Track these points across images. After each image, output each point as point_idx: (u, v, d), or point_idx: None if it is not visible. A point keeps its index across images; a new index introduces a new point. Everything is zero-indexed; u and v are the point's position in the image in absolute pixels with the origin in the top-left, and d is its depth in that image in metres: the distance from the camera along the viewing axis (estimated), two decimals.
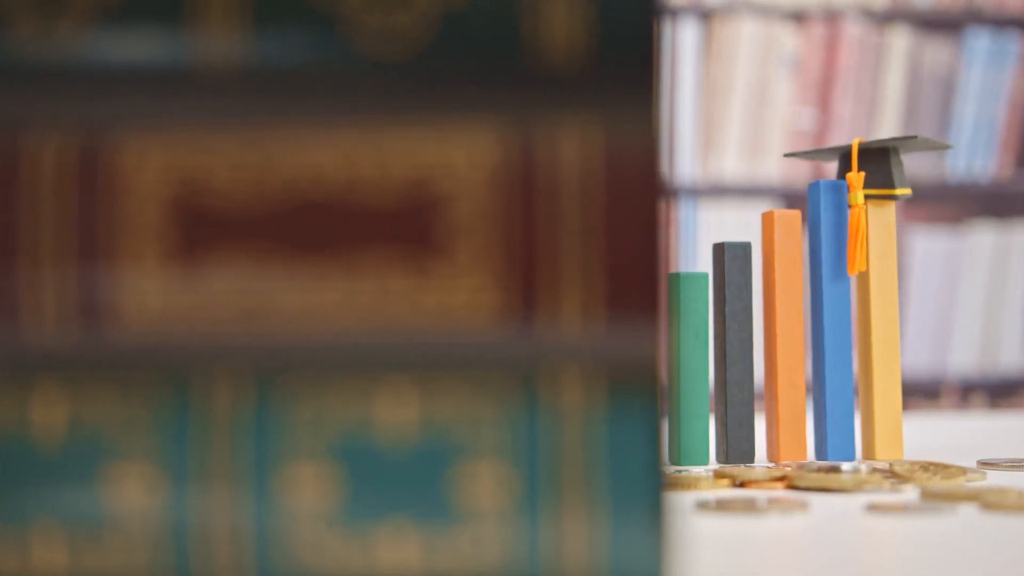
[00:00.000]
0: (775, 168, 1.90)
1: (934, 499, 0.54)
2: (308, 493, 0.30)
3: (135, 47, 0.31)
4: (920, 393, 1.95)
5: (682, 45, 1.89)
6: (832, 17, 1.93)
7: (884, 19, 1.95)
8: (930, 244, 1.94)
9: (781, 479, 0.60)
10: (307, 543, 0.30)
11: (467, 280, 0.30)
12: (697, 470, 0.68)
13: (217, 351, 0.30)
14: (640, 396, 0.31)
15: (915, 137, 0.72)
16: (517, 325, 0.30)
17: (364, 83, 0.30)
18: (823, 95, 1.93)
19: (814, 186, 0.74)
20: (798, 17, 1.92)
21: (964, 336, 1.95)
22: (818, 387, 0.74)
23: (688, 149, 1.88)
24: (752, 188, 1.91)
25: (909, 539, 0.43)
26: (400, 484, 0.30)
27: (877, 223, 0.74)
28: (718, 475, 0.60)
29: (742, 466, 0.68)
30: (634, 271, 0.31)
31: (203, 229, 0.30)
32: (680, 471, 0.67)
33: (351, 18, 0.31)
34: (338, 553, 0.30)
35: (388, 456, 0.30)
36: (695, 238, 1.86)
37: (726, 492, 0.58)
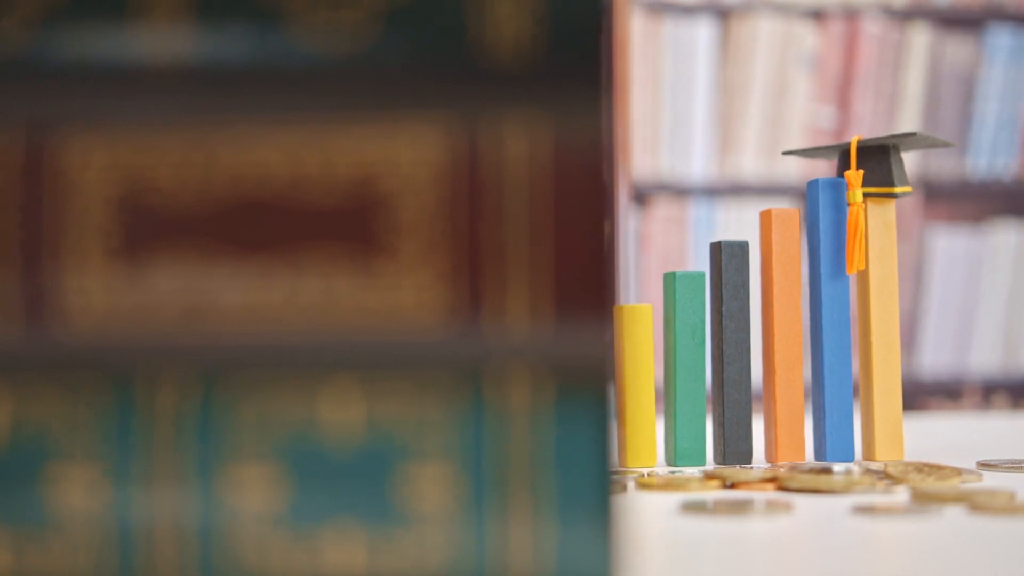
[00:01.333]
0: (793, 167, 1.89)
1: (923, 501, 0.53)
2: (253, 494, 0.30)
3: (79, 45, 0.30)
4: (942, 394, 1.94)
5: (698, 44, 1.88)
6: (851, 14, 1.92)
7: (904, 16, 1.93)
8: (951, 243, 1.93)
9: (772, 481, 0.59)
10: (252, 544, 0.30)
11: (412, 279, 0.30)
12: (691, 471, 0.68)
13: (161, 350, 0.30)
14: (588, 396, 0.30)
15: (914, 134, 0.72)
16: (463, 324, 0.30)
17: (309, 80, 0.30)
18: (842, 93, 1.91)
19: (812, 184, 0.74)
20: (817, 15, 1.91)
21: (986, 336, 1.93)
22: (817, 387, 0.73)
23: (703, 148, 1.87)
24: (771, 187, 1.90)
25: (892, 541, 0.42)
26: (345, 485, 0.30)
27: (877, 221, 0.73)
28: (708, 476, 0.60)
29: (737, 467, 0.67)
30: (582, 269, 0.30)
31: (147, 228, 0.30)
32: (674, 472, 0.67)
33: (295, 15, 0.30)
34: (283, 554, 0.30)
35: (333, 457, 0.30)
36: (712, 237, 1.85)
37: (712, 493, 0.57)
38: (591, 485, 0.30)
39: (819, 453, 0.73)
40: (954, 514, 0.50)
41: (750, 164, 1.90)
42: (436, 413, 0.30)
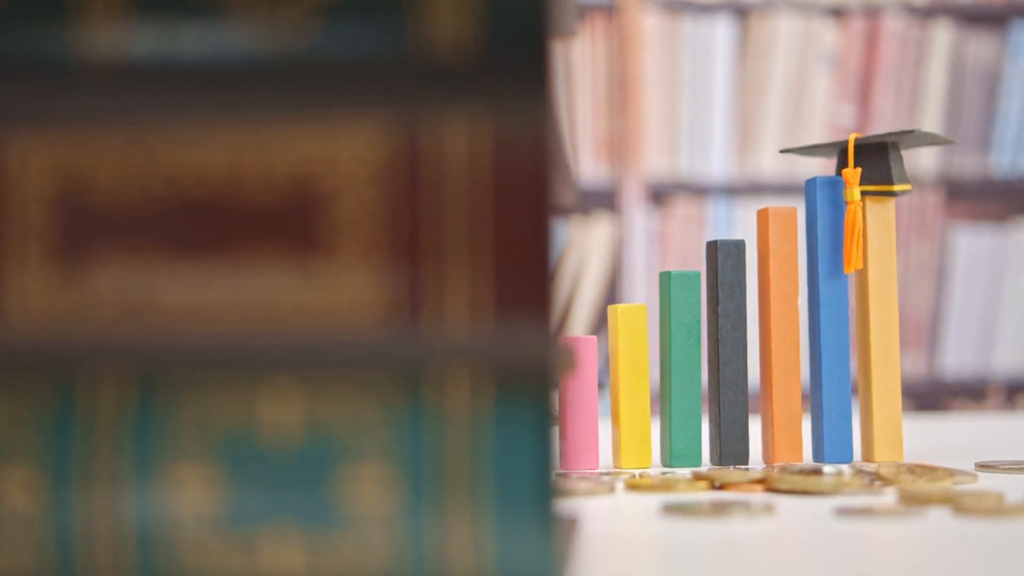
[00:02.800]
0: (813, 166, 1.88)
1: (910, 502, 0.53)
2: (191, 495, 0.30)
3: (17, 44, 0.30)
4: (965, 394, 1.92)
5: (716, 42, 1.87)
6: (872, 12, 1.90)
7: (926, 13, 1.92)
8: (974, 242, 1.91)
9: (760, 482, 0.59)
10: (190, 546, 0.30)
11: (351, 278, 0.30)
12: (683, 472, 0.67)
13: (100, 351, 0.30)
14: (529, 397, 0.30)
15: (912, 131, 0.71)
16: (402, 324, 0.30)
17: (248, 78, 0.30)
18: (863, 91, 1.90)
19: (810, 182, 0.73)
20: (837, 12, 1.90)
21: (1010, 335, 1.91)
22: (815, 388, 0.73)
23: (722, 147, 1.86)
24: (790, 186, 1.89)
25: (872, 543, 0.41)
26: (284, 487, 0.30)
27: (876, 220, 0.73)
28: (697, 477, 0.59)
29: (731, 468, 0.66)
30: (524, 268, 0.30)
31: (86, 227, 0.30)
32: (666, 473, 0.66)
33: (235, 12, 0.30)
34: (222, 556, 0.30)
35: (272, 458, 0.30)
36: (731, 236, 1.84)
37: (697, 495, 0.57)
38: (531, 486, 0.30)
39: (817, 454, 0.72)
40: (939, 516, 0.49)
41: (769, 163, 1.89)
42: (375, 414, 0.30)
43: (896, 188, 0.72)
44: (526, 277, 0.30)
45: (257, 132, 0.30)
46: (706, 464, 0.72)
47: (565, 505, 0.43)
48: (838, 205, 0.72)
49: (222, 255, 0.30)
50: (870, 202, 0.72)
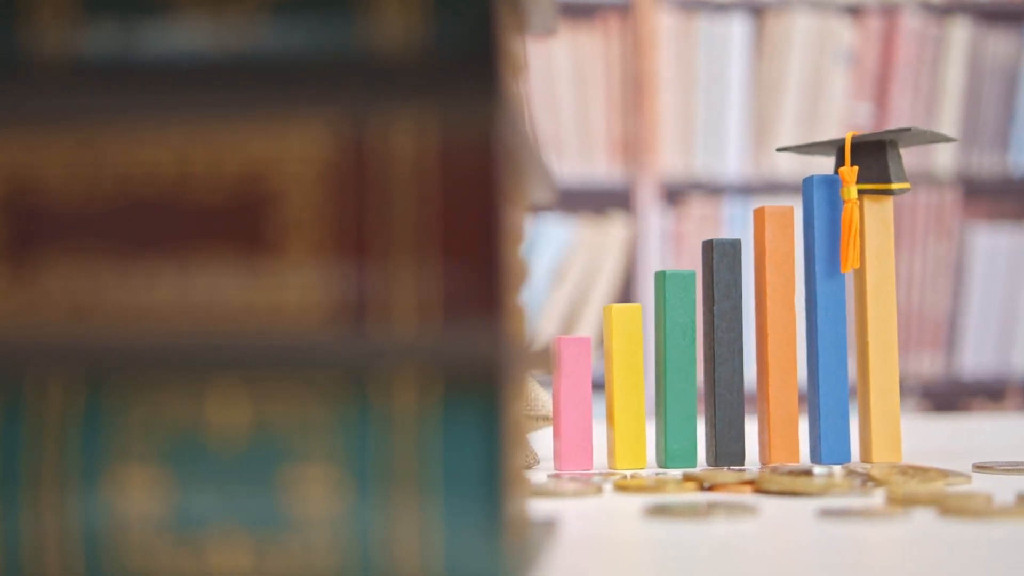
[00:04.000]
0: (829, 164, 1.87)
1: (898, 504, 0.52)
2: (138, 496, 0.30)
3: None
4: (984, 394, 1.91)
5: (732, 41, 1.86)
6: (889, 10, 1.89)
7: (943, 11, 1.90)
8: (992, 240, 1.89)
9: (749, 483, 0.58)
10: (137, 547, 0.30)
11: (298, 278, 0.30)
12: (675, 473, 0.67)
13: (48, 351, 0.30)
14: (477, 398, 0.29)
15: (909, 129, 0.70)
16: (349, 325, 0.30)
17: (196, 77, 0.30)
18: (880, 90, 1.89)
19: (808, 181, 0.72)
20: (854, 10, 1.88)
21: None
22: (812, 388, 0.72)
23: (738, 146, 1.85)
24: None
25: (852, 545, 0.41)
26: (231, 488, 0.30)
27: (874, 219, 0.72)
28: (686, 478, 0.59)
29: (725, 469, 0.66)
30: (472, 268, 0.30)
31: (34, 228, 0.30)
32: (658, 474, 0.66)
33: (182, 12, 0.30)
34: (168, 558, 0.30)
35: (219, 459, 0.30)
36: (748, 236, 1.83)
37: (680, 496, 0.56)
38: (480, 486, 0.29)
39: (814, 455, 0.72)
40: (924, 518, 0.48)
41: (785, 162, 1.88)
42: (322, 415, 0.29)
43: (894, 187, 0.71)
44: (474, 277, 0.30)
45: (205, 131, 0.30)
46: (702, 465, 0.72)
47: (543, 506, 0.43)
48: (835, 204, 0.72)
49: (170, 255, 0.30)
50: (868, 201, 0.72)
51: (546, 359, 0.46)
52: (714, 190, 1.85)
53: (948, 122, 1.90)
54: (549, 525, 0.44)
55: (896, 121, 1.89)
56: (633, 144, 1.84)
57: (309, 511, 0.29)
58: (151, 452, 0.30)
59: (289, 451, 0.30)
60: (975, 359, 1.90)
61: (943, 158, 1.90)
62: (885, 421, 0.71)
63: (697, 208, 1.84)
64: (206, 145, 0.30)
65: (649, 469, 0.70)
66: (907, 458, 0.74)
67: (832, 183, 0.72)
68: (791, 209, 0.72)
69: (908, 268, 1.90)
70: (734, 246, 0.71)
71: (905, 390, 1.88)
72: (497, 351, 0.29)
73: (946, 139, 0.72)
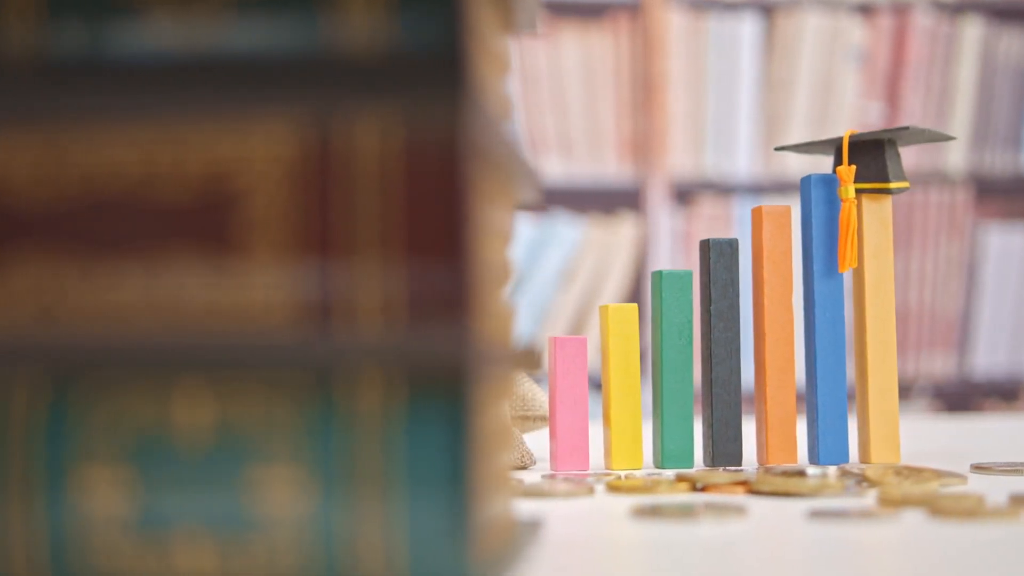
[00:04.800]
0: None
1: (889, 505, 0.52)
2: (103, 497, 0.30)
3: None
4: (997, 395, 1.90)
5: (742, 40, 1.85)
6: (901, 8, 1.88)
7: (955, 9, 1.89)
8: (1004, 239, 1.88)
9: (742, 484, 0.58)
10: (102, 548, 0.30)
11: (263, 277, 0.30)
12: (669, 473, 0.66)
13: (12, 351, 0.30)
14: (443, 398, 0.29)
15: (907, 128, 0.70)
16: (314, 325, 0.29)
17: (161, 76, 0.30)
18: (891, 89, 1.88)
19: (805, 180, 0.72)
20: (865, 9, 1.88)
21: None
22: (810, 388, 0.72)
23: (748, 145, 1.84)
24: None
25: (838, 546, 0.41)
26: (195, 488, 0.29)
27: (872, 218, 0.72)
28: (679, 479, 0.59)
29: (720, 469, 0.66)
30: (437, 268, 0.29)
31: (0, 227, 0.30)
32: (651, 474, 0.65)
33: (146, 10, 0.30)
34: (133, 558, 0.29)
35: (184, 459, 0.30)
36: None
37: (668, 497, 0.56)
38: (444, 487, 0.29)
39: (812, 455, 0.71)
40: (913, 519, 0.48)
41: (795, 162, 1.87)
42: (286, 415, 0.29)
43: (892, 186, 0.71)
44: (440, 277, 0.29)
45: (170, 131, 0.30)
46: (699, 465, 0.71)
47: (532, 507, 0.42)
48: (833, 203, 0.72)
49: (135, 254, 0.30)
50: (866, 200, 0.71)
51: (531, 359, 0.46)
52: (724, 190, 1.85)
53: (960, 121, 1.89)
54: (534, 525, 0.44)
55: (908, 121, 1.88)
56: (643, 144, 1.84)
57: (273, 511, 0.29)
58: (116, 452, 0.30)
59: (254, 451, 0.29)
60: (987, 359, 1.89)
61: (955, 157, 1.89)
62: (884, 421, 0.71)
63: (707, 208, 1.84)
64: (171, 144, 0.30)
65: (646, 470, 0.70)
66: (906, 459, 0.74)
67: (830, 182, 0.72)
68: (789, 208, 0.72)
69: (920, 268, 1.89)
70: (731, 245, 0.71)
71: (917, 391, 1.88)
72: (463, 351, 0.29)
73: (945, 137, 0.71)
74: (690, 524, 0.47)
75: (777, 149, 0.74)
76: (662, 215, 1.83)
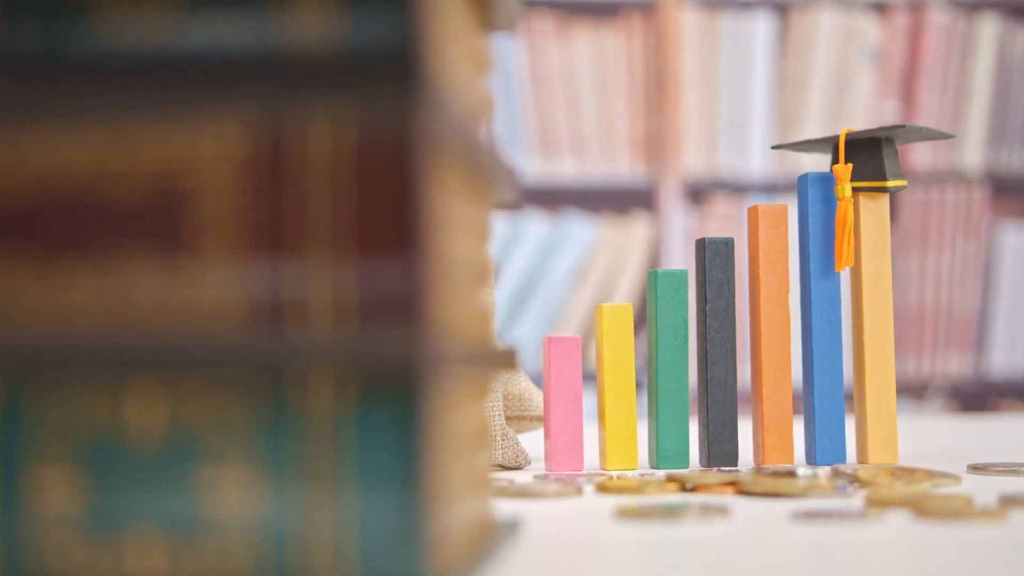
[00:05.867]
0: None
1: (877, 505, 0.51)
2: (55, 497, 0.30)
3: None
4: (1014, 395, 1.88)
5: (756, 38, 1.84)
6: (916, 6, 1.87)
7: (971, 6, 1.88)
8: (1021, 238, 1.87)
9: (732, 484, 0.57)
10: (54, 548, 0.29)
11: (214, 277, 0.29)
12: (660, 474, 0.66)
13: None
14: (394, 398, 0.29)
15: (904, 126, 0.69)
16: (265, 325, 0.29)
17: (113, 76, 0.30)
18: (907, 87, 1.87)
19: (802, 179, 0.72)
20: (880, 7, 1.86)
21: None
22: (807, 388, 0.71)
23: (762, 145, 1.84)
24: None
25: (818, 548, 0.40)
26: (147, 489, 0.29)
27: (870, 217, 0.71)
28: (670, 479, 0.58)
29: (714, 470, 0.65)
30: (389, 267, 0.29)
31: None
32: (644, 475, 0.65)
33: (98, 9, 0.30)
34: (85, 559, 0.29)
35: (135, 460, 0.29)
36: None
37: (652, 498, 0.56)
38: (396, 487, 0.29)
39: (809, 455, 0.71)
40: (898, 520, 0.48)
41: (810, 161, 1.86)
42: (237, 415, 0.29)
43: (890, 184, 0.70)
44: (391, 276, 0.29)
45: (123, 130, 0.30)
46: (695, 466, 0.71)
47: (518, 507, 0.42)
48: (830, 202, 0.71)
49: (87, 254, 0.30)
50: (864, 198, 0.71)
51: (508, 359, 0.45)
52: (738, 189, 1.84)
53: (976, 120, 1.88)
54: (512, 526, 0.44)
55: (924, 119, 1.87)
56: (656, 143, 1.83)
57: (225, 512, 0.29)
58: (68, 453, 0.30)
59: (205, 452, 0.29)
60: (1004, 359, 1.88)
61: (971, 156, 1.87)
62: (881, 421, 0.70)
63: (721, 207, 1.83)
64: (123, 144, 0.30)
65: (641, 470, 0.69)
66: (906, 459, 0.73)
67: (827, 181, 0.71)
68: (785, 207, 0.71)
69: (936, 267, 1.88)
70: (727, 245, 0.71)
71: (933, 391, 1.87)
72: (415, 351, 0.29)
73: (943, 136, 0.71)
74: (673, 525, 0.47)
75: (774, 147, 0.73)
76: (675, 215, 1.83)
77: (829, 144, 0.72)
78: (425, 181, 0.30)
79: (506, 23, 0.46)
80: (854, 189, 0.71)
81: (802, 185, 0.72)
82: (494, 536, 0.40)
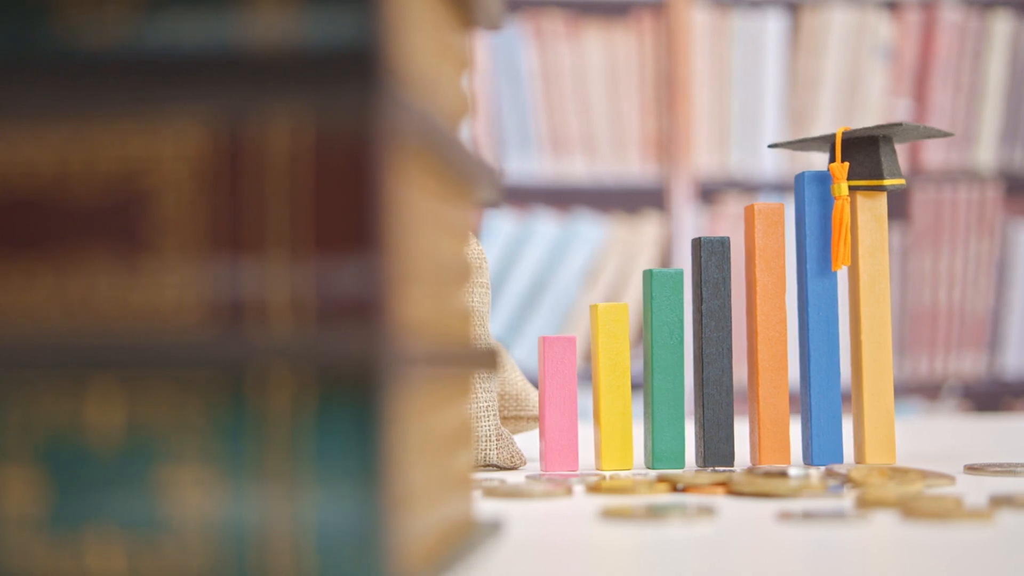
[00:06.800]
0: None
1: (865, 506, 0.51)
2: (14, 497, 0.29)
3: None
4: None
5: (767, 37, 1.84)
6: (929, 3, 1.86)
7: (984, 4, 1.87)
8: None
9: (722, 484, 0.57)
10: (14, 548, 0.29)
11: (173, 277, 0.29)
12: (654, 474, 0.66)
13: None
14: (353, 398, 0.29)
15: (900, 124, 0.69)
16: (224, 324, 0.29)
17: (72, 75, 0.30)
18: (920, 85, 1.86)
19: (799, 177, 0.71)
20: (892, 4, 1.86)
21: None
22: (804, 388, 0.71)
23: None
24: None
25: (800, 549, 0.40)
26: (106, 488, 0.29)
27: (867, 216, 0.71)
28: (660, 479, 0.58)
29: (709, 470, 0.65)
30: (348, 266, 0.29)
31: None
32: (636, 475, 0.65)
33: (58, 8, 0.30)
34: (45, 558, 0.29)
35: (95, 460, 0.29)
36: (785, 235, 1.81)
37: (639, 498, 0.55)
38: (355, 487, 0.29)
39: (806, 456, 0.70)
40: (884, 520, 0.47)
41: (822, 160, 1.85)
42: (197, 415, 0.29)
43: (887, 182, 0.70)
44: (350, 275, 0.29)
45: (82, 130, 0.30)
46: (691, 466, 0.71)
47: (499, 508, 0.42)
48: (827, 201, 0.71)
49: (47, 254, 0.30)
50: (861, 197, 0.70)
51: (489, 359, 0.45)
52: (749, 188, 1.83)
53: (990, 118, 1.87)
54: (493, 527, 0.44)
55: (936, 117, 1.86)
56: (667, 142, 1.83)
57: (184, 512, 0.29)
58: (28, 452, 0.29)
59: (165, 451, 0.29)
60: (1018, 358, 1.87)
61: (984, 154, 1.86)
62: (879, 422, 0.70)
63: (732, 207, 1.82)
64: (83, 144, 0.30)
65: (636, 470, 0.69)
66: (905, 460, 0.73)
67: (824, 179, 0.71)
68: (782, 206, 0.71)
69: (949, 266, 1.87)
70: (722, 244, 0.70)
71: (946, 391, 1.86)
72: (373, 350, 0.29)
73: (941, 134, 0.70)
74: (657, 526, 0.47)
75: (771, 146, 0.73)
76: (686, 214, 1.82)
77: (826, 143, 0.72)
78: (385, 179, 0.30)
79: (488, 22, 0.46)
80: (852, 188, 0.70)
81: (799, 184, 0.71)
82: (472, 537, 0.40)
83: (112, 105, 0.29)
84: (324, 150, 0.29)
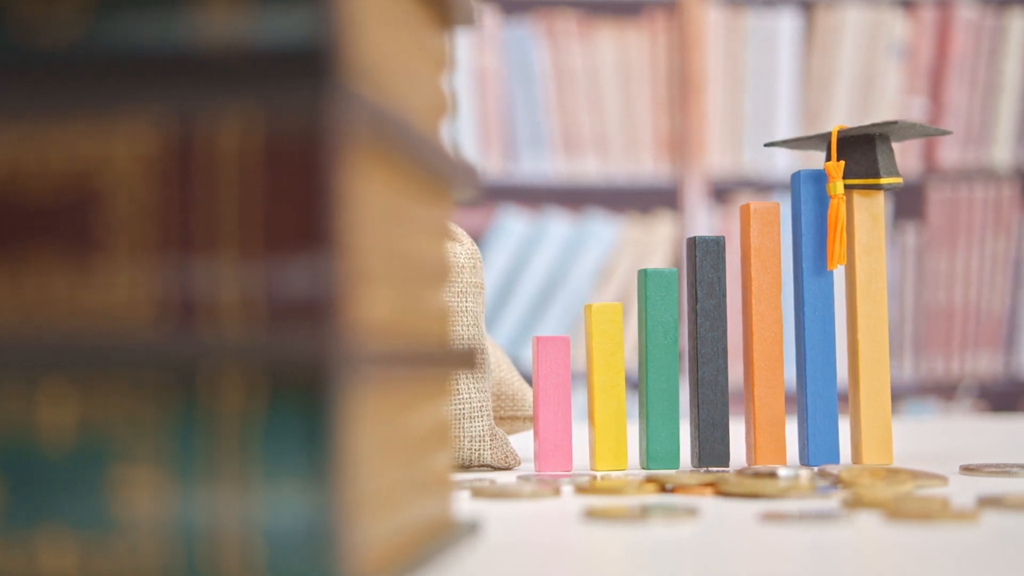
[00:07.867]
0: None
1: (850, 506, 0.51)
2: None
3: None
4: None
5: (781, 36, 1.83)
6: (944, 1, 1.85)
7: (1000, 2, 1.86)
8: None
9: (711, 485, 0.57)
10: None
11: (125, 276, 0.29)
12: (644, 474, 0.66)
13: None
14: (304, 398, 0.29)
15: (896, 122, 0.68)
16: (176, 324, 0.29)
17: (23, 75, 0.30)
18: (935, 84, 1.85)
19: (795, 176, 0.71)
20: (907, 2, 1.85)
21: None
22: (800, 388, 0.70)
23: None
24: None
25: (778, 548, 0.40)
26: (58, 489, 0.29)
27: (864, 215, 0.70)
28: (648, 480, 0.58)
29: (702, 470, 0.65)
30: (299, 266, 0.29)
31: None
32: (628, 475, 0.64)
33: (9, 7, 0.30)
34: None
35: (47, 460, 0.29)
36: None
37: (626, 499, 0.55)
38: (306, 488, 0.29)
39: (803, 456, 0.70)
40: (867, 521, 0.47)
41: None
42: (148, 415, 0.29)
43: (883, 181, 0.70)
44: (301, 274, 0.29)
45: (34, 130, 0.30)
46: (686, 466, 0.70)
47: (481, 508, 0.42)
48: (823, 199, 0.70)
49: None
50: (857, 196, 0.70)
51: (468, 359, 0.45)
52: (763, 187, 1.83)
53: (1005, 116, 1.85)
54: (471, 528, 0.43)
55: (952, 116, 1.85)
56: (680, 142, 1.82)
57: (135, 512, 0.29)
58: None
59: (116, 451, 0.29)
60: None
61: (1001, 153, 1.85)
62: (875, 422, 0.69)
63: None
64: (35, 143, 0.30)
65: (631, 471, 0.69)
66: (903, 460, 0.72)
67: (820, 178, 0.70)
68: (777, 205, 0.71)
69: (965, 265, 1.85)
70: (717, 243, 0.70)
71: (962, 391, 1.84)
72: (324, 350, 0.29)
73: (940, 132, 0.70)
74: (638, 526, 0.46)
75: (767, 145, 0.72)
76: (700, 213, 1.82)
77: (822, 142, 0.72)
78: (336, 177, 0.29)
79: (463, 18, 0.45)
80: (848, 187, 0.70)
81: (795, 183, 0.71)
82: (447, 538, 0.40)
83: (64, 105, 0.29)
84: (274, 149, 0.29)
